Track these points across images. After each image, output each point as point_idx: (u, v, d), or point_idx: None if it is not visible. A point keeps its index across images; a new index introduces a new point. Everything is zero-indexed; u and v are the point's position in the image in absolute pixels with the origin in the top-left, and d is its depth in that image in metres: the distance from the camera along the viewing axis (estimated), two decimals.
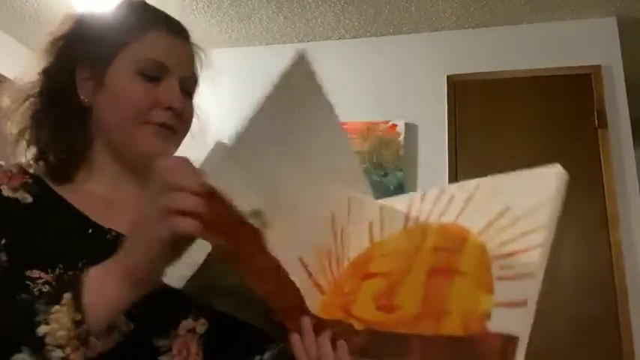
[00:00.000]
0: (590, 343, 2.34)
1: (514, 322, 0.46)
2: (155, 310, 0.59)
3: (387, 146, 2.69)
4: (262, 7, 2.75)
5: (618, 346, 2.30)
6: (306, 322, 0.56)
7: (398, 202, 0.66)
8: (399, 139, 2.69)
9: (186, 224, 0.45)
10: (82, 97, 0.73)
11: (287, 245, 0.54)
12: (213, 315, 0.68)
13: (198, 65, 0.80)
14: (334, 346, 0.54)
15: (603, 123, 2.55)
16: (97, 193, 0.73)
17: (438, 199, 0.62)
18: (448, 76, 2.79)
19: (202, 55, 0.81)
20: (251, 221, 0.50)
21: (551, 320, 2.40)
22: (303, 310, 0.57)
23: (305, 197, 0.58)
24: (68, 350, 0.47)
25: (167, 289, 0.54)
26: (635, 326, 2.31)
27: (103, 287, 0.50)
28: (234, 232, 0.48)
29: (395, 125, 2.73)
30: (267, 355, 0.73)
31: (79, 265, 0.62)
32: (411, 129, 2.73)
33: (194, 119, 0.80)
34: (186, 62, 0.77)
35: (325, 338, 0.55)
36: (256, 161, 0.53)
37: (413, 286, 0.55)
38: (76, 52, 0.74)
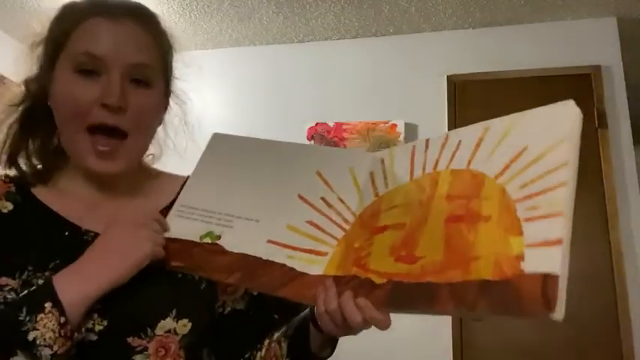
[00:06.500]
0: (590, 343, 2.34)
1: (551, 260, 0.44)
2: (130, 310, 0.63)
3: (387, 146, 2.69)
4: (262, 7, 2.75)
5: (618, 346, 2.30)
6: (329, 281, 0.57)
7: (400, 152, 0.64)
8: (399, 139, 2.69)
9: (159, 250, 0.64)
10: (48, 102, 0.70)
11: (250, 238, 0.63)
12: (197, 316, 0.67)
13: (160, 48, 0.71)
14: (355, 303, 0.53)
15: (603, 123, 2.55)
16: (79, 194, 0.72)
17: (444, 146, 0.60)
18: (448, 76, 2.79)
19: (168, 38, 0.73)
20: (204, 241, 0.65)
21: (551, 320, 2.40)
22: (299, 275, 0.59)
23: (258, 203, 0.67)
24: (56, 347, 0.55)
25: (144, 291, 0.63)
26: (635, 326, 2.31)
27: (77, 287, 0.58)
28: (190, 253, 0.64)
29: (395, 125, 2.73)
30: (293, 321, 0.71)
31: (50, 266, 0.62)
32: (411, 129, 2.73)
33: (177, 108, 0.76)
34: (131, 48, 0.67)
35: (347, 294, 0.54)
36: (203, 204, 0.68)
37: (433, 235, 0.53)
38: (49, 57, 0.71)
